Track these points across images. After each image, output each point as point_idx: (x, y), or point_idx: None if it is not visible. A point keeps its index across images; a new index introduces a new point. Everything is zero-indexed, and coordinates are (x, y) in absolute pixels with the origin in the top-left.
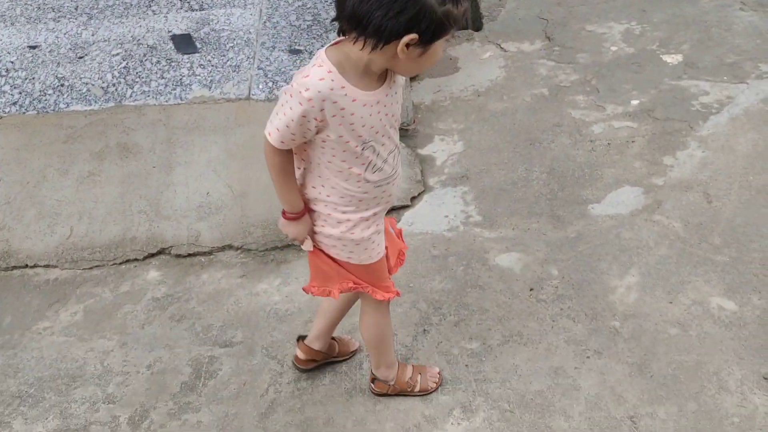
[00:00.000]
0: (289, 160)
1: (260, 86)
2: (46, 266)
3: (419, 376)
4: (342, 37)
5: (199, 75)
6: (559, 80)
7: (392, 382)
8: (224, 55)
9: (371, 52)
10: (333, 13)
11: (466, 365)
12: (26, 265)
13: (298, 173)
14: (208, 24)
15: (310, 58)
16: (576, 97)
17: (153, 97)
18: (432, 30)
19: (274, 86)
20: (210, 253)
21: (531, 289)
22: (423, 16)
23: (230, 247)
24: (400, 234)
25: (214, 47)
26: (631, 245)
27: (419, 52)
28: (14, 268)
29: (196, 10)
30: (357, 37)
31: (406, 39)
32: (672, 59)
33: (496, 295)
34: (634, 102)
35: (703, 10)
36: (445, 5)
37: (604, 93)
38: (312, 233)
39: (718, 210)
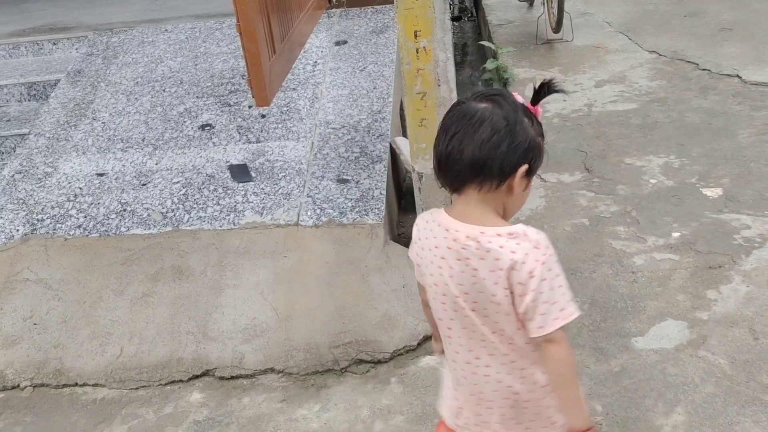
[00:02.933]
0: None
1: (308, 213)
2: (95, 385)
3: None
4: (455, 196)
5: (252, 202)
6: (599, 211)
7: None
8: (276, 184)
9: (488, 193)
10: (379, 146)
11: None
12: (76, 384)
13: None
14: (264, 155)
15: (357, 187)
16: (616, 228)
17: (208, 222)
18: (536, 160)
19: (321, 213)
20: (252, 375)
21: None
22: (532, 146)
23: (272, 370)
24: None
25: (268, 176)
26: (676, 381)
27: (525, 183)
28: (65, 386)
29: (253, 143)
30: (481, 183)
31: (522, 169)
32: (712, 192)
33: None
34: (675, 234)
35: (741, 145)
36: (540, 137)
37: (645, 225)
38: None
39: (765, 347)
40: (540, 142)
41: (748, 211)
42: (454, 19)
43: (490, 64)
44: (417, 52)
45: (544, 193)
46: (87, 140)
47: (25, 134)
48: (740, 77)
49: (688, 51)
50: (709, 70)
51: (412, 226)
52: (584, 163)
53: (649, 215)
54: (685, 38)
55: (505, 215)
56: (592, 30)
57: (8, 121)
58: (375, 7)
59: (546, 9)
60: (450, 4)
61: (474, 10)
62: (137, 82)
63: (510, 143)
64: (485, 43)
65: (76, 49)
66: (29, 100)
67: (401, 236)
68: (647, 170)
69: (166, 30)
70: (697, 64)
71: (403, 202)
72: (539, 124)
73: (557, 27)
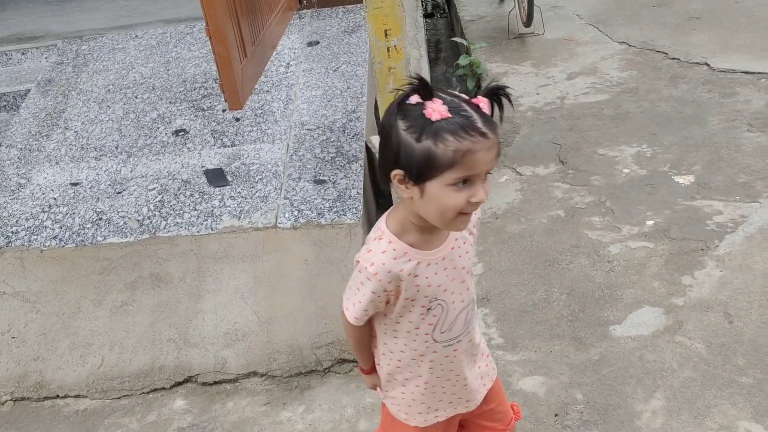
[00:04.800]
0: (367, 332)
1: (286, 215)
2: (77, 396)
3: None
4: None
5: (229, 206)
6: (574, 202)
7: None
8: (253, 187)
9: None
10: (354, 146)
11: None
12: (57, 396)
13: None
14: (239, 159)
15: (334, 188)
16: (592, 219)
17: (185, 228)
18: (416, 168)
19: (299, 214)
20: (236, 380)
21: (556, 415)
22: (404, 152)
23: (255, 373)
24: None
25: (244, 180)
26: (654, 368)
27: (417, 191)
28: (45, 398)
29: (228, 147)
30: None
31: (394, 174)
32: (684, 180)
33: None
34: (650, 222)
35: (712, 132)
36: (421, 142)
37: (619, 214)
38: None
39: (740, 330)
40: (419, 153)
41: (719, 197)
42: (426, 16)
43: (463, 60)
44: (388, 50)
45: (520, 187)
46: (60, 150)
47: None
48: (709, 65)
49: (658, 41)
50: (678, 59)
51: None
52: (558, 156)
53: (623, 204)
54: (654, 28)
55: (426, 222)
56: (563, 23)
57: None
58: (346, 6)
59: (516, 3)
60: (422, 2)
61: (446, 7)
62: (109, 90)
63: (383, 150)
64: (458, 39)
65: (46, 58)
66: None
67: None
68: (620, 160)
69: (136, 36)
70: (667, 54)
71: (381, 201)
72: (466, 117)
73: (528, 21)
